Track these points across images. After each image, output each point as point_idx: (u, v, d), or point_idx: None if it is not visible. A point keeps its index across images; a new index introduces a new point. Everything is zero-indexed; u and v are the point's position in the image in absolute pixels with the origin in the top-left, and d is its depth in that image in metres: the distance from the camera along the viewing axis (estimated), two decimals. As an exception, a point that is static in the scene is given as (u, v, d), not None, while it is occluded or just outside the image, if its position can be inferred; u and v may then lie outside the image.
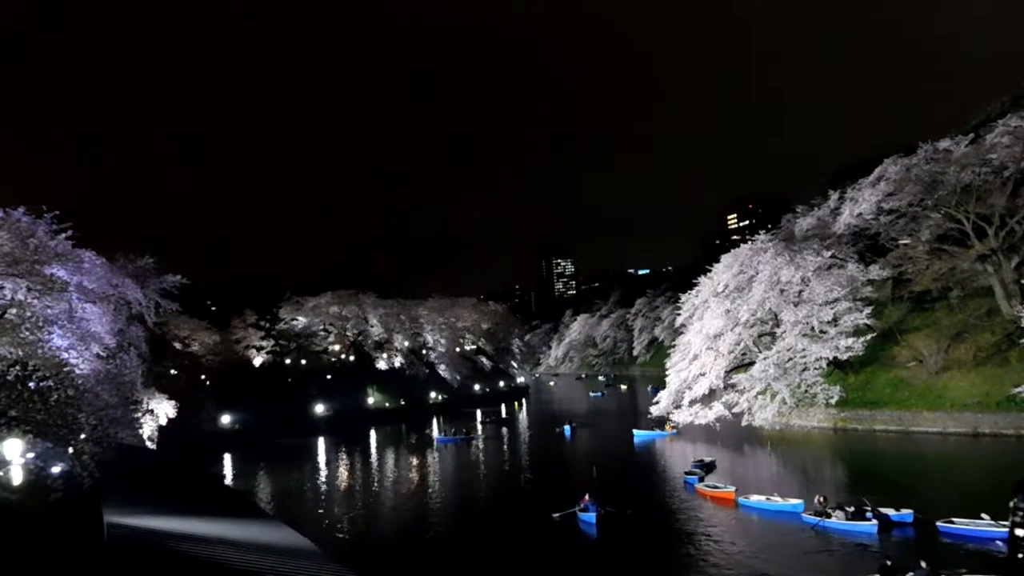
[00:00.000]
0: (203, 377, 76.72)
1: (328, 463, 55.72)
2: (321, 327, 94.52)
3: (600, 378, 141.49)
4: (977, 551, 22.03)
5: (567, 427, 61.35)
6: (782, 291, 53.12)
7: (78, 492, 18.18)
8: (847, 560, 23.20)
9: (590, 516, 28.16)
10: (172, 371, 68.72)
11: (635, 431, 56.72)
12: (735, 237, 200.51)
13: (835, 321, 50.67)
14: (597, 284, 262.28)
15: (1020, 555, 18.26)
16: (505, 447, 59.09)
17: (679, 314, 64.41)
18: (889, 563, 19.46)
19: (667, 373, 60.30)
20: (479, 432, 69.51)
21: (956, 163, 47.78)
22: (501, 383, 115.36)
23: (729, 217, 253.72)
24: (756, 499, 30.32)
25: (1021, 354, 43.66)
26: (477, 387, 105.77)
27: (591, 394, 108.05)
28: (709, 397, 54.20)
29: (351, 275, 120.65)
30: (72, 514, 17.22)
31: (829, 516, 26.10)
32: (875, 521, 25.08)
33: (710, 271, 61.31)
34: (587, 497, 29.32)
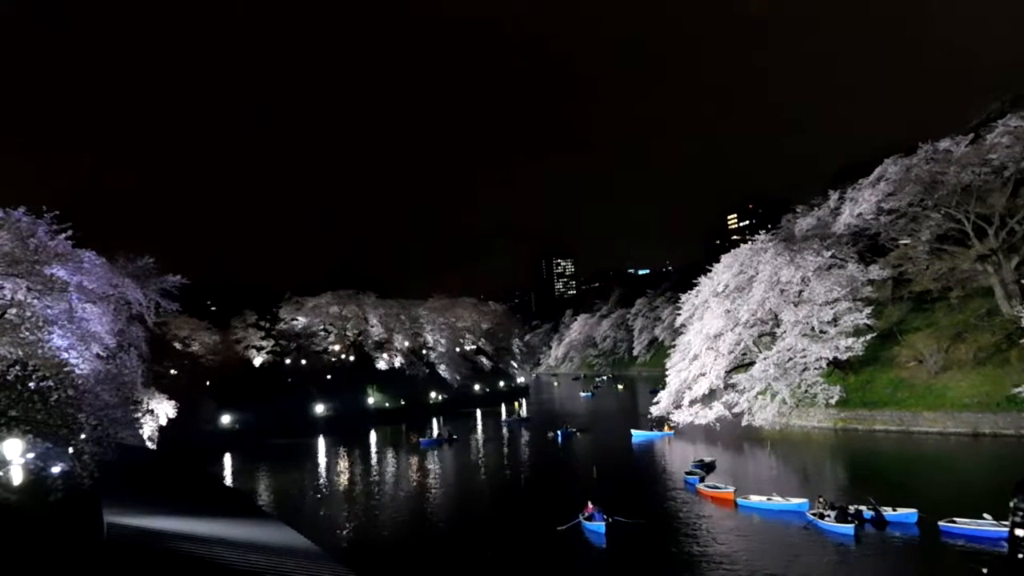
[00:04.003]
0: (203, 377, 76.74)
1: (328, 463, 55.69)
2: (321, 327, 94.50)
3: (597, 379, 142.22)
4: (979, 551, 22.03)
5: (558, 432, 58.58)
6: (782, 291, 53.09)
7: (78, 492, 18.18)
8: (844, 560, 23.22)
9: (598, 526, 26.87)
10: (172, 371, 68.83)
11: (633, 431, 56.63)
12: (735, 237, 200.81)
13: (835, 321, 50.63)
14: (597, 284, 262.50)
15: (1020, 555, 18.21)
16: (505, 447, 59.03)
17: (679, 314, 64.37)
18: (985, 571, 19.04)
19: (667, 373, 60.21)
20: (479, 433, 69.61)
21: (956, 163, 47.74)
22: (501, 383, 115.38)
23: (729, 217, 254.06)
24: (756, 499, 30.28)
25: (1021, 354, 43.65)
26: (477, 387, 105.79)
27: (581, 394, 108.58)
28: (709, 397, 54.15)
29: (351, 275, 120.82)
30: (72, 514, 17.21)
31: (823, 516, 26.13)
32: (852, 523, 25.01)
33: (710, 271, 61.26)
34: (591, 505, 28.22)
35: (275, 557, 16.10)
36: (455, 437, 61.42)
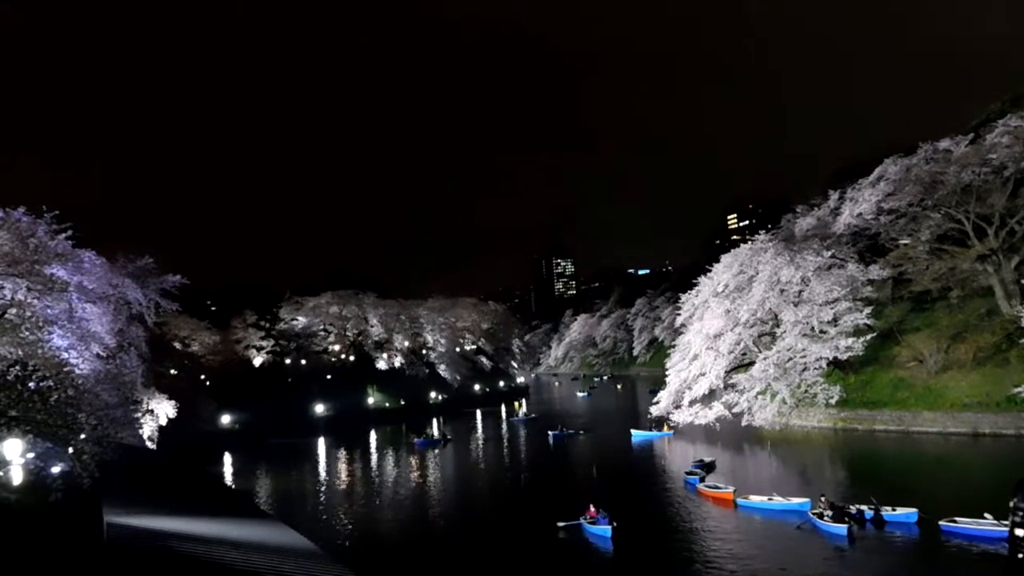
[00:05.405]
0: (203, 377, 76.74)
1: (328, 463, 55.68)
2: (321, 327, 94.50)
3: (594, 378, 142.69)
4: (980, 551, 22.03)
5: (552, 434, 58.09)
6: (782, 291, 53.07)
7: (78, 492, 18.16)
8: (845, 560, 23.22)
9: (604, 529, 26.10)
10: (172, 371, 68.79)
11: (633, 431, 56.63)
12: (735, 237, 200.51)
13: (835, 321, 50.61)
14: (597, 284, 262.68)
15: (1020, 555, 18.23)
16: (504, 447, 59.05)
17: (679, 314, 64.33)
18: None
19: (667, 373, 60.19)
20: (479, 433, 69.63)
21: (956, 163, 47.72)
22: (501, 383, 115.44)
23: (729, 217, 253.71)
24: (756, 499, 30.25)
25: (1021, 354, 43.62)
26: (477, 387, 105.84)
27: (578, 394, 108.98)
28: (709, 397, 54.13)
29: (351, 275, 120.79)
30: (72, 514, 17.20)
31: (822, 516, 26.12)
32: (847, 523, 24.99)
33: (710, 271, 61.24)
34: (593, 508, 27.56)
35: (275, 557, 16.09)
36: (450, 438, 61.57)
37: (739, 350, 55.29)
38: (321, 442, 67.01)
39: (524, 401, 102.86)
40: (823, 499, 27.05)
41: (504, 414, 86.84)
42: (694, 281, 63.75)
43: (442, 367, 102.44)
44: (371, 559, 25.88)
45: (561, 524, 27.68)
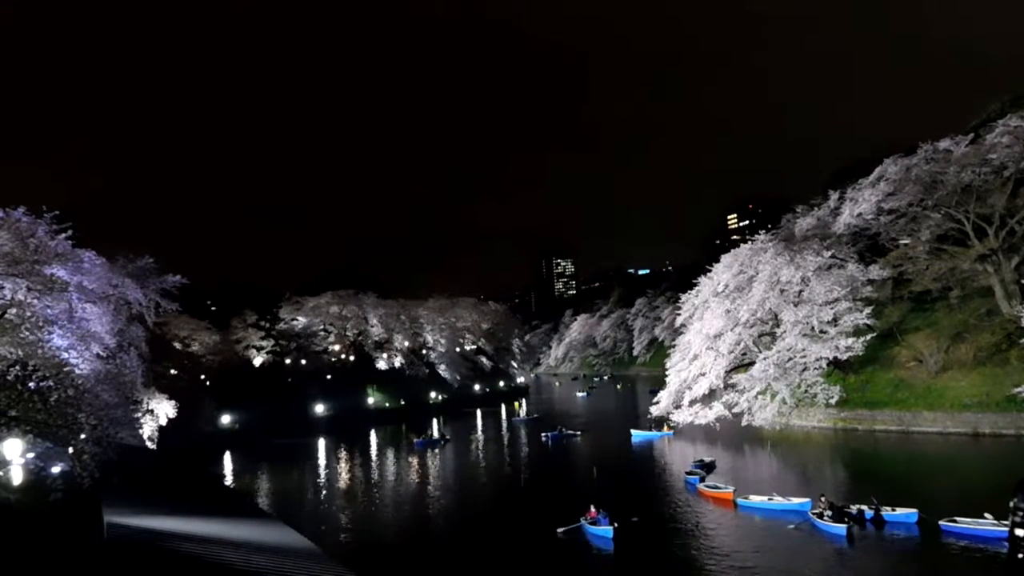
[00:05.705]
0: (203, 377, 76.74)
1: (328, 463, 55.67)
2: (321, 327, 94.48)
3: (594, 378, 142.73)
4: (980, 551, 22.02)
5: (549, 435, 57.75)
6: (782, 291, 53.07)
7: (78, 492, 18.18)
8: (845, 560, 23.22)
9: (605, 530, 25.94)
10: (172, 371, 68.77)
11: (633, 431, 56.64)
12: (735, 237, 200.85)
13: (835, 321, 50.62)
14: (597, 284, 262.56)
15: (1020, 555, 18.22)
16: (505, 447, 59.02)
17: (679, 314, 64.34)
18: None
19: (667, 373, 60.18)
20: (480, 433, 69.63)
21: (956, 163, 47.72)
22: (501, 383, 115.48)
23: (729, 217, 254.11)
24: (756, 499, 30.26)
25: (1021, 354, 43.64)
26: (477, 387, 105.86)
27: (578, 394, 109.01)
28: (709, 397, 54.12)
29: (351, 275, 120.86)
30: (72, 514, 17.21)
31: (822, 516, 26.11)
32: (846, 523, 24.97)
33: (710, 271, 61.24)
34: (594, 509, 27.41)
35: (275, 557, 16.08)
36: (448, 438, 61.66)
37: (739, 350, 55.29)
38: (321, 442, 67.00)
39: (524, 401, 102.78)
40: (823, 499, 27.04)
41: (504, 414, 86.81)
42: (694, 281, 63.74)
43: (442, 367, 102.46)
44: (371, 559, 25.88)
45: (561, 530, 27.42)
